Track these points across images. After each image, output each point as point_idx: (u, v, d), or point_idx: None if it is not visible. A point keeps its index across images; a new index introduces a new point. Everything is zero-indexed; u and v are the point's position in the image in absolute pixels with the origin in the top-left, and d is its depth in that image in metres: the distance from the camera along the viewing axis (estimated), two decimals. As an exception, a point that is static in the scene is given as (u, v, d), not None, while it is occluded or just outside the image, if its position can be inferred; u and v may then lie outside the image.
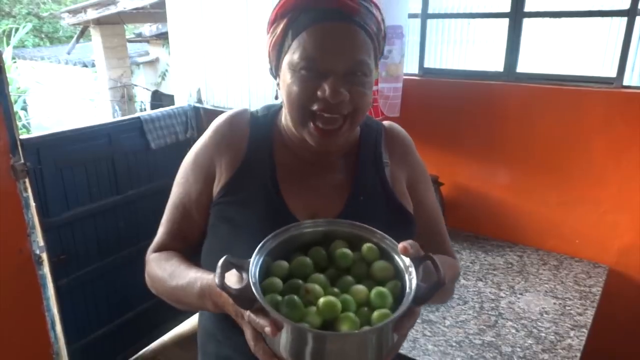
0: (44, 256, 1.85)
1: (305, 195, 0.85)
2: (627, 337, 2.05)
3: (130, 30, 8.86)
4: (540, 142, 2.07)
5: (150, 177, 2.46)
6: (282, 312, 0.63)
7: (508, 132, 2.13)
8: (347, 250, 0.73)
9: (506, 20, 2.13)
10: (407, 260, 0.69)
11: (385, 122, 0.96)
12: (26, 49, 10.18)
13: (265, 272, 0.70)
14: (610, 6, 1.99)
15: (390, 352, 0.65)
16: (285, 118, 0.87)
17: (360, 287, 0.69)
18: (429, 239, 0.92)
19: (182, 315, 2.72)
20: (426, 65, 2.38)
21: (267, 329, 0.60)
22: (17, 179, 1.73)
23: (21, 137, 1.77)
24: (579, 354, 1.49)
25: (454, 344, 1.53)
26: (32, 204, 1.79)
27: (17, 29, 8.34)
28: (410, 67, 2.37)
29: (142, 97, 7.49)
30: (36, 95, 7.95)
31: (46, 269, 1.87)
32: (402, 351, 1.49)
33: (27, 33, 9.68)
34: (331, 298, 0.65)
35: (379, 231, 0.74)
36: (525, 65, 2.14)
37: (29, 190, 1.78)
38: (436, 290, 0.64)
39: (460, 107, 2.22)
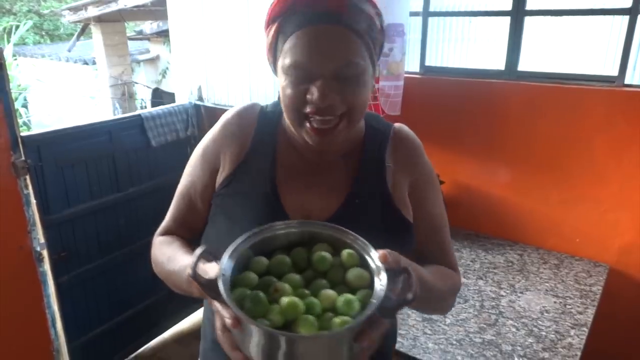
0: (45, 253, 1.85)
1: (302, 194, 0.86)
2: (627, 336, 2.05)
3: (131, 27, 8.85)
4: (541, 141, 2.07)
5: (151, 174, 2.46)
6: (246, 307, 0.64)
7: (509, 131, 2.13)
8: (326, 254, 0.73)
9: (508, 19, 2.12)
10: (380, 265, 0.67)
11: (396, 125, 0.93)
12: (27, 46, 10.18)
13: (245, 266, 0.71)
14: (612, 4, 1.99)
15: None
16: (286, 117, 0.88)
17: (330, 292, 0.68)
18: (428, 248, 0.91)
19: (182, 313, 2.72)
20: (427, 63, 2.38)
21: (228, 321, 0.62)
22: (17, 176, 1.73)
23: (22, 134, 1.77)
24: (579, 353, 1.49)
25: (454, 342, 1.53)
26: (33, 201, 1.79)
27: (17, 26, 8.33)
28: (412, 65, 2.36)
29: (143, 95, 7.49)
30: (37, 93, 7.95)
31: (47, 266, 1.87)
32: (402, 349, 1.49)
33: (27, 30, 9.68)
34: (295, 299, 0.65)
35: (352, 232, 0.74)
36: (527, 63, 2.14)
37: (30, 187, 1.78)
38: (404, 305, 0.64)
39: (461, 105, 2.22)
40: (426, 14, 2.33)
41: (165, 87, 7.24)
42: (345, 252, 0.72)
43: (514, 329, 1.59)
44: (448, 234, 0.95)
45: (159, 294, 2.46)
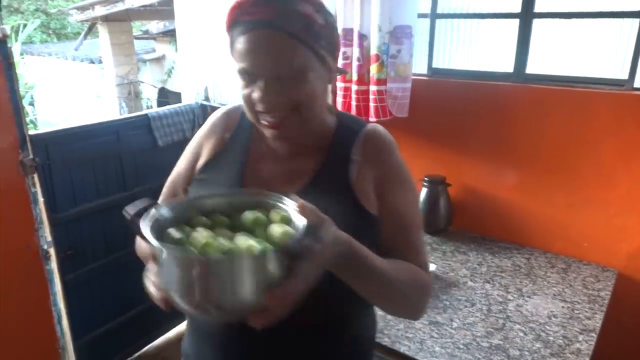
0: (52, 251, 1.86)
1: (264, 182, 0.92)
2: (636, 342, 2.04)
3: (138, 27, 8.88)
4: (548, 144, 2.06)
5: (157, 174, 2.45)
6: (166, 241, 0.69)
7: (516, 134, 2.12)
8: (253, 212, 0.76)
9: (516, 21, 2.11)
10: (305, 220, 0.69)
11: (370, 124, 0.96)
12: (34, 45, 10.24)
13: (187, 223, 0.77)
14: (621, 7, 1.98)
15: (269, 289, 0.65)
16: None
17: (246, 236, 0.71)
18: (396, 245, 0.89)
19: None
20: (435, 65, 2.37)
21: (144, 245, 0.67)
22: (25, 174, 1.73)
23: (30, 133, 1.78)
24: (587, 359, 1.48)
25: (461, 346, 1.52)
26: (41, 199, 1.79)
27: (25, 25, 8.39)
28: (419, 67, 2.35)
29: (149, 94, 7.52)
30: (43, 91, 8.00)
31: (53, 264, 1.87)
32: (409, 353, 1.49)
33: (35, 29, 9.74)
34: (210, 233, 0.70)
35: (276, 193, 0.78)
36: (535, 66, 2.12)
37: (38, 185, 1.78)
38: (307, 250, 0.67)
39: (468, 107, 2.21)
40: (434, 15, 2.32)
41: (171, 86, 7.27)
42: (273, 212, 0.77)
43: (521, 334, 1.58)
44: (419, 234, 0.94)
45: (164, 293, 2.46)
